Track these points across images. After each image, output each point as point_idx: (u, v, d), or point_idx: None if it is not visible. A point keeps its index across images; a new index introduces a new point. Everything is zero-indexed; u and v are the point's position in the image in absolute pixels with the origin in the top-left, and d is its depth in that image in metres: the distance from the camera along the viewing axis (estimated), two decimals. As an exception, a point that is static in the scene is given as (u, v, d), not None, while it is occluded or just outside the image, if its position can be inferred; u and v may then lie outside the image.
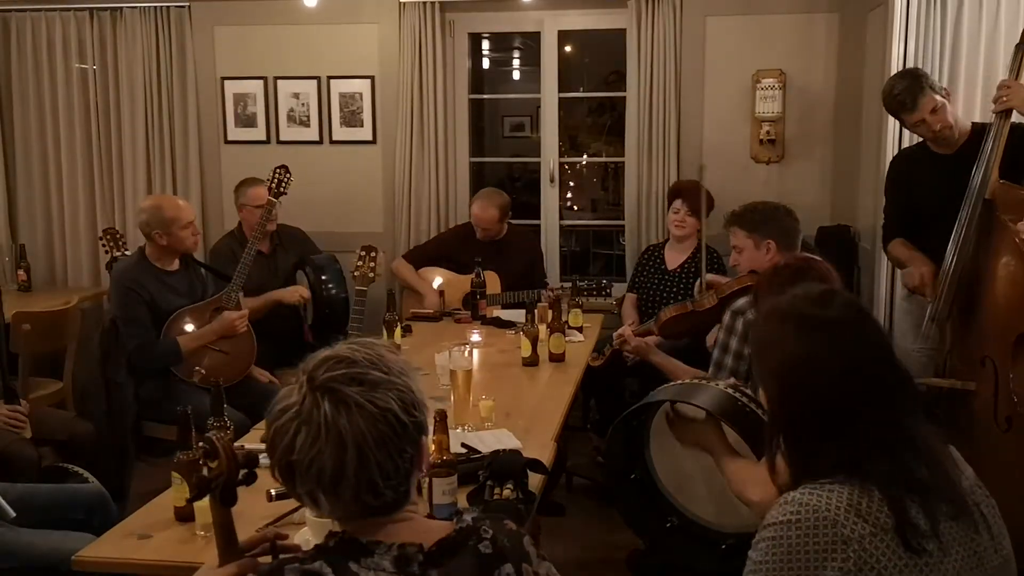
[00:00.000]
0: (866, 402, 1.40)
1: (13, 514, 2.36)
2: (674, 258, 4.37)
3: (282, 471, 1.25)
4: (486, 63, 7.26)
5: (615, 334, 3.46)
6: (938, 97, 3.15)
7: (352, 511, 1.25)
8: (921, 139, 3.42)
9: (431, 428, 2.07)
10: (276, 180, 4.02)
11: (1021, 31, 3.01)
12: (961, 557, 1.35)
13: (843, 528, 1.31)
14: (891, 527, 1.31)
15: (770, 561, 1.34)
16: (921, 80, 3.20)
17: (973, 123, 3.24)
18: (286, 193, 4.05)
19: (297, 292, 4.21)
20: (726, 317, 2.83)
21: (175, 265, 3.66)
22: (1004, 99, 2.96)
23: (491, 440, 2.47)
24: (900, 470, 1.35)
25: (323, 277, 4.36)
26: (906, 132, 3.82)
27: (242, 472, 1.40)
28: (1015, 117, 3.00)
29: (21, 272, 5.02)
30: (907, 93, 3.19)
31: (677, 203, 4.29)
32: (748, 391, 2.38)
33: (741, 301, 2.82)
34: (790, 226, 3.09)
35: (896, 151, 3.73)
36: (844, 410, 1.40)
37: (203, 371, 3.52)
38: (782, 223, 3.08)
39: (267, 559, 1.45)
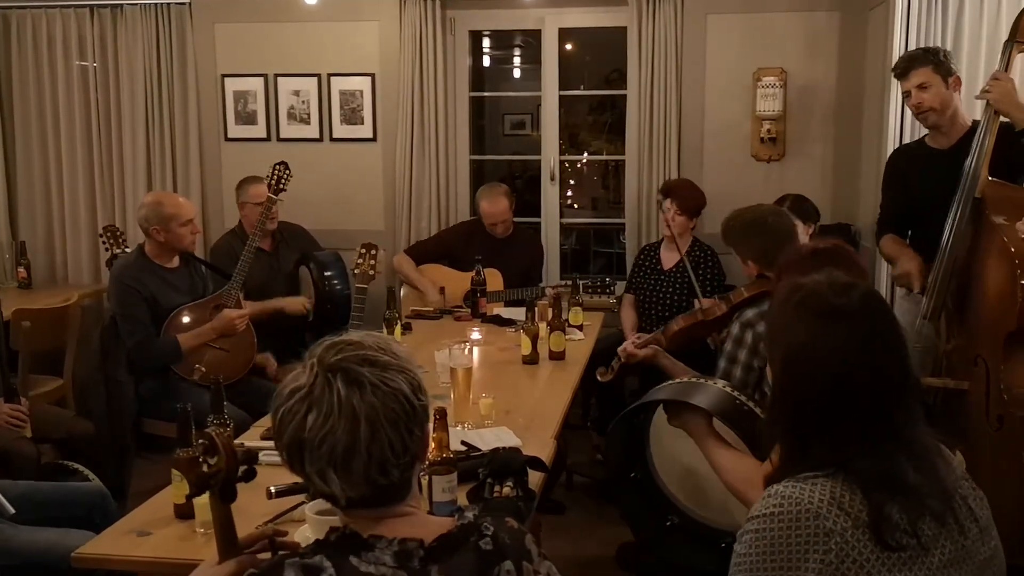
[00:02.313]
0: (867, 397, 1.39)
1: (12, 510, 2.37)
2: (669, 258, 4.38)
3: (290, 451, 1.25)
4: (487, 61, 7.25)
5: (619, 350, 3.40)
6: (936, 77, 3.14)
7: (361, 491, 1.24)
8: (921, 136, 3.43)
9: (431, 426, 2.08)
10: (275, 177, 4.01)
11: (1011, 27, 3.00)
12: (948, 552, 1.35)
13: (825, 520, 1.31)
14: (869, 523, 1.31)
15: (753, 553, 1.35)
16: (929, 55, 3.19)
17: (974, 120, 3.23)
18: (285, 190, 4.05)
19: (300, 303, 4.17)
20: (735, 328, 2.79)
21: (175, 262, 3.66)
22: (987, 89, 2.95)
23: (491, 438, 2.47)
24: (886, 469, 1.35)
25: (327, 273, 4.36)
26: (907, 129, 3.83)
27: (241, 469, 1.40)
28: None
29: (21, 269, 5.03)
30: (906, 60, 3.22)
31: (667, 203, 4.30)
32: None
33: (750, 313, 2.76)
34: (767, 245, 2.88)
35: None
36: (843, 403, 1.39)
37: (203, 369, 3.52)
38: (756, 244, 2.91)
39: (266, 555, 1.45)
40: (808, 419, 1.42)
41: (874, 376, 1.40)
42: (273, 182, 4.01)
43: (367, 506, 1.27)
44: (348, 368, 1.24)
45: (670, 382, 2.62)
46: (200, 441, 1.41)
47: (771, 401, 1.55)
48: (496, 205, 4.53)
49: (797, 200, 4.20)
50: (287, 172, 4.03)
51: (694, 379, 2.57)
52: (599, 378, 3.42)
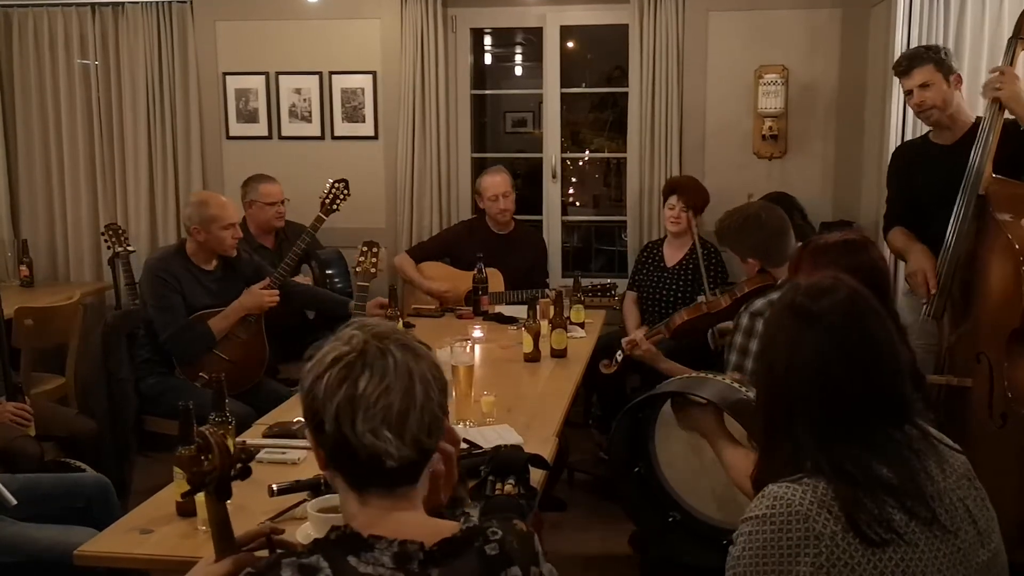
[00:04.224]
0: (840, 401, 1.40)
1: (14, 502, 2.37)
2: (672, 255, 4.38)
3: (339, 413, 1.22)
4: (488, 58, 7.23)
5: (624, 340, 3.42)
6: (938, 75, 3.14)
7: (409, 453, 1.24)
8: (924, 131, 3.43)
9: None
10: (331, 195, 3.96)
11: (1015, 23, 2.99)
12: (942, 554, 1.35)
13: (814, 523, 1.31)
14: (845, 518, 1.32)
15: (747, 556, 1.35)
16: (930, 53, 3.19)
17: (978, 117, 3.23)
18: (338, 210, 4.00)
19: (259, 298, 3.66)
20: (744, 319, 2.78)
21: (212, 265, 3.65)
22: (997, 86, 2.93)
23: (493, 436, 2.47)
24: (858, 470, 1.35)
25: (328, 271, 4.35)
26: (909, 126, 3.83)
27: (236, 467, 1.40)
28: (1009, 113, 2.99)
29: (23, 267, 5.03)
30: (908, 59, 3.23)
31: (672, 199, 4.30)
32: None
33: (759, 302, 2.76)
34: (766, 240, 2.95)
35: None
36: (815, 405, 1.41)
37: (206, 376, 3.50)
38: (754, 240, 2.96)
39: (264, 553, 1.45)
40: (782, 418, 1.44)
41: (847, 381, 1.41)
42: (327, 201, 3.95)
43: (390, 484, 1.26)
44: (398, 335, 1.29)
45: (676, 377, 2.62)
46: (195, 440, 1.41)
47: (756, 398, 1.57)
48: (497, 175, 4.51)
49: (775, 199, 4.16)
50: (346, 192, 3.97)
51: (700, 374, 2.57)
52: (603, 370, 3.44)
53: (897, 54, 3.75)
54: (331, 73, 5.01)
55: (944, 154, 3.21)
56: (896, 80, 3.51)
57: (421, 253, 4.65)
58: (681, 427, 2.35)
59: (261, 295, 3.64)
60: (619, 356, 3.41)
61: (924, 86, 3.15)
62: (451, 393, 2.72)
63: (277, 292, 3.69)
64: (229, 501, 1.43)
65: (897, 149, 3.59)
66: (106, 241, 4.43)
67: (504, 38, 7.16)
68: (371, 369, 1.24)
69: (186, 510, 2.03)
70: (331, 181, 3.98)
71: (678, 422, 2.36)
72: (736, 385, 2.35)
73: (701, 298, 3.48)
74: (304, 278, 4.21)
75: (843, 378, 1.41)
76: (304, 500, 1.99)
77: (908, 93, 3.24)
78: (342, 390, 1.23)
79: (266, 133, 5.10)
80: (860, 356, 1.42)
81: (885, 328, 1.47)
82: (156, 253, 3.74)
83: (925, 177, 3.26)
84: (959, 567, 1.36)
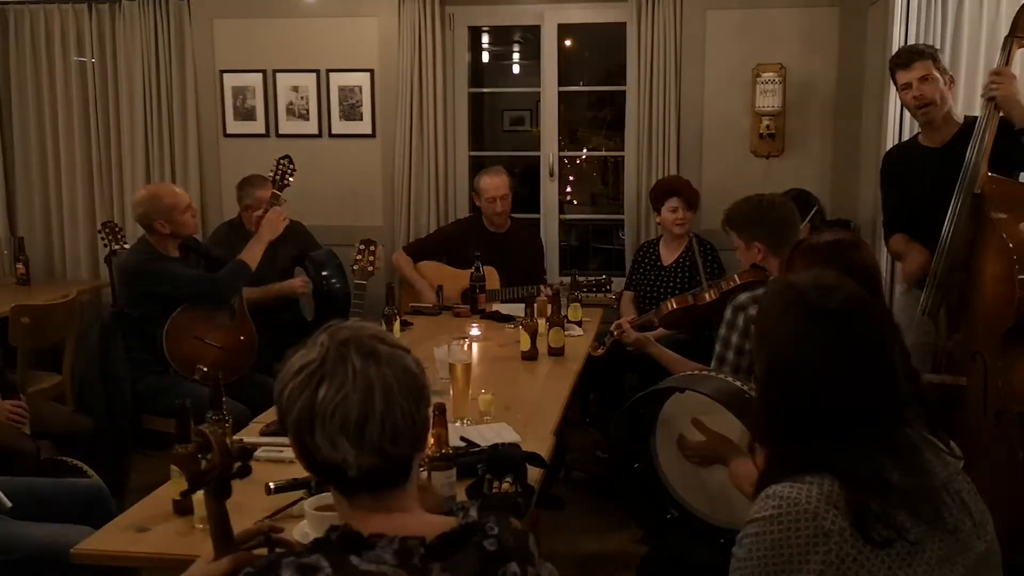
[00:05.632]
0: (847, 399, 1.40)
1: (9, 504, 2.37)
2: (669, 254, 4.39)
3: (299, 424, 1.24)
4: (486, 57, 7.23)
5: (614, 325, 3.45)
6: (935, 72, 3.17)
7: (372, 461, 1.23)
8: (914, 134, 3.43)
9: (429, 421, 2.07)
10: (280, 172, 3.96)
11: (1012, 21, 3.00)
12: (945, 547, 1.36)
13: (824, 521, 1.31)
14: (851, 520, 1.32)
15: (754, 557, 1.35)
16: (929, 50, 3.25)
17: (966, 116, 3.24)
18: (289, 185, 4.00)
19: (294, 285, 4.17)
20: (728, 312, 2.81)
21: (176, 252, 3.69)
22: (993, 86, 2.94)
23: (490, 434, 2.47)
24: (868, 470, 1.35)
25: (324, 272, 4.33)
26: (906, 126, 3.82)
27: (236, 465, 1.39)
28: None
29: (20, 265, 5.02)
30: (908, 51, 3.26)
31: (674, 201, 4.30)
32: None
33: (743, 296, 2.79)
34: (778, 223, 2.93)
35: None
36: (822, 403, 1.40)
37: (204, 369, 3.50)
38: (767, 223, 2.94)
39: (262, 551, 1.45)
40: (788, 417, 1.43)
41: (855, 378, 1.41)
42: (277, 177, 3.95)
43: (371, 488, 1.26)
44: (363, 343, 1.26)
45: (677, 376, 2.62)
46: (194, 438, 1.41)
47: (756, 398, 1.56)
48: (497, 177, 4.51)
49: (793, 197, 4.19)
50: (291, 167, 3.96)
51: (700, 372, 2.58)
52: (591, 352, 3.45)
53: (895, 52, 3.76)
54: (328, 71, 5.00)
55: (934, 157, 3.22)
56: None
57: (418, 250, 4.65)
58: (701, 466, 2.38)
59: (273, 221, 3.78)
60: (607, 339, 3.43)
61: (924, 79, 3.16)
62: (448, 391, 2.75)
63: (284, 215, 3.85)
64: (227, 499, 1.43)
65: (887, 154, 3.59)
66: (103, 239, 4.42)
67: (502, 36, 7.15)
68: (330, 379, 1.23)
69: (183, 508, 2.02)
70: (275, 159, 3.97)
71: (691, 462, 2.39)
72: (737, 382, 2.36)
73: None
74: (304, 282, 4.22)
75: (849, 374, 1.40)
76: (301, 498, 1.99)
77: (905, 87, 3.23)
78: (301, 398, 1.24)
79: (263, 131, 5.09)
80: (864, 352, 1.42)
81: (884, 326, 1.47)
82: (129, 256, 3.73)
83: (917, 180, 3.27)
84: (959, 559, 1.37)
